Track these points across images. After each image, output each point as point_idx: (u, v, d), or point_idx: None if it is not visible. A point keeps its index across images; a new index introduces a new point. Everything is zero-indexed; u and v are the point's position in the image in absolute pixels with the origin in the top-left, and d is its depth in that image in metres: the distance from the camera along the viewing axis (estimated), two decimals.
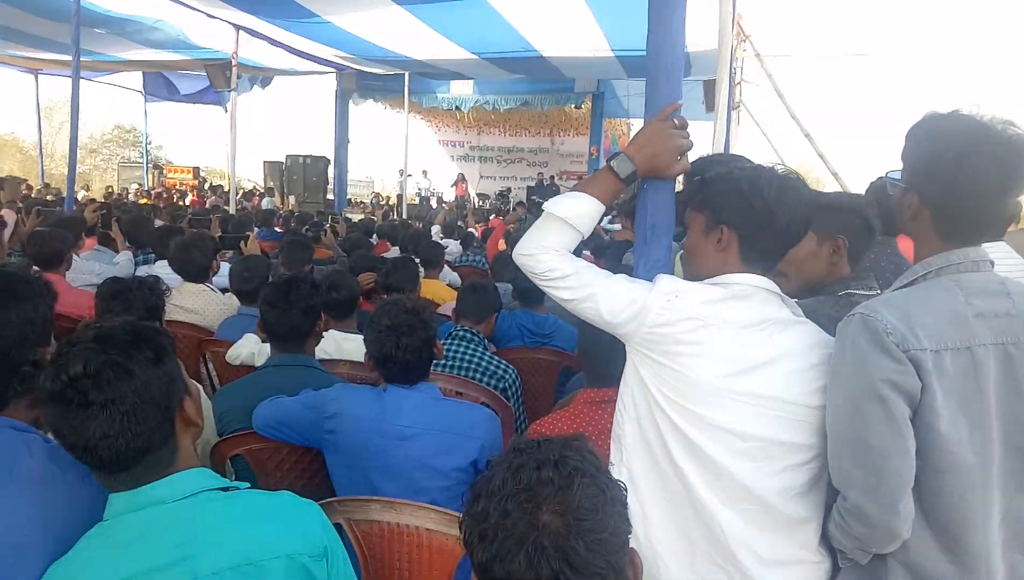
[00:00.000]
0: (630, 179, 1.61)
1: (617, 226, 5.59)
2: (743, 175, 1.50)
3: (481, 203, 19.19)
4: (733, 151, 6.95)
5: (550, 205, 1.59)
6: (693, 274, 1.56)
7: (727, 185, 1.52)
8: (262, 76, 14.49)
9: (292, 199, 12.56)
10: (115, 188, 18.58)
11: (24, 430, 1.26)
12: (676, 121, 1.60)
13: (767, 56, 7.43)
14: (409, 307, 2.12)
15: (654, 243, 1.69)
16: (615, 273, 1.54)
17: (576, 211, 1.59)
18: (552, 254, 1.55)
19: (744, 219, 1.49)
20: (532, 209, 13.32)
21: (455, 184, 19.89)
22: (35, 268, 3.81)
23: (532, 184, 20.39)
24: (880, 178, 2.30)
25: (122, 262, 4.76)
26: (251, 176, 19.84)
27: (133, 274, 4.52)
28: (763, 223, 1.48)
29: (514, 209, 10.58)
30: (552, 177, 20.11)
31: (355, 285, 3.17)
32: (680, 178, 1.73)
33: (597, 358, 2.01)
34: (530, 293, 3.72)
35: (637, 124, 20.34)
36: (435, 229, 8.02)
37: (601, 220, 1.72)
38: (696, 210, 1.56)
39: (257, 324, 2.55)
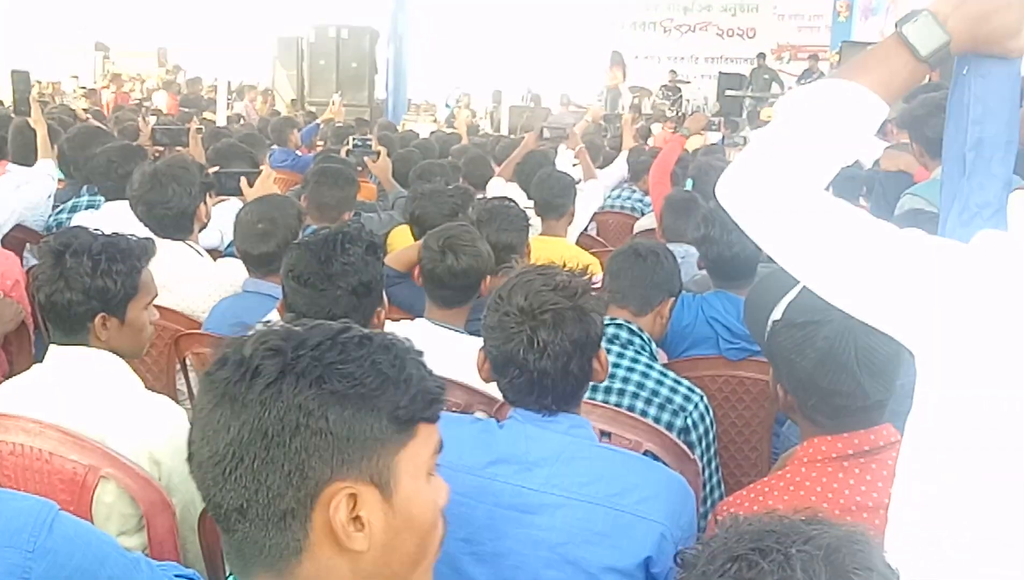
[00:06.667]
0: (938, 57, 1.31)
1: (883, 145, 3.97)
2: None
3: (636, 102, 15.99)
4: None
5: (788, 104, 1.32)
6: None
7: None
8: None
9: (336, 98, 11.14)
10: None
11: None
12: None
13: None
14: (560, 282, 1.80)
15: (981, 173, 1.37)
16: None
17: (836, 115, 1.29)
18: (790, 190, 1.26)
19: None
20: (728, 114, 10.85)
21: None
22: None
23: (726, 69, 16.52)
24: None
25: (34, 179, 4.29)
26: (248, 61, 17.71)
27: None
28: None
29: (692, 115, 8.17)
30: (762, 56, 16.21)
31: (486, 253, 2.74)
32: None
33: (835, 376, 1.65)
34: (733, 263, 3.11)
35: None
36: (564, 152, 6.72)
37: None
38: None
39: (276, 310, 2.26)
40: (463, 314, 2.79)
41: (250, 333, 1.10)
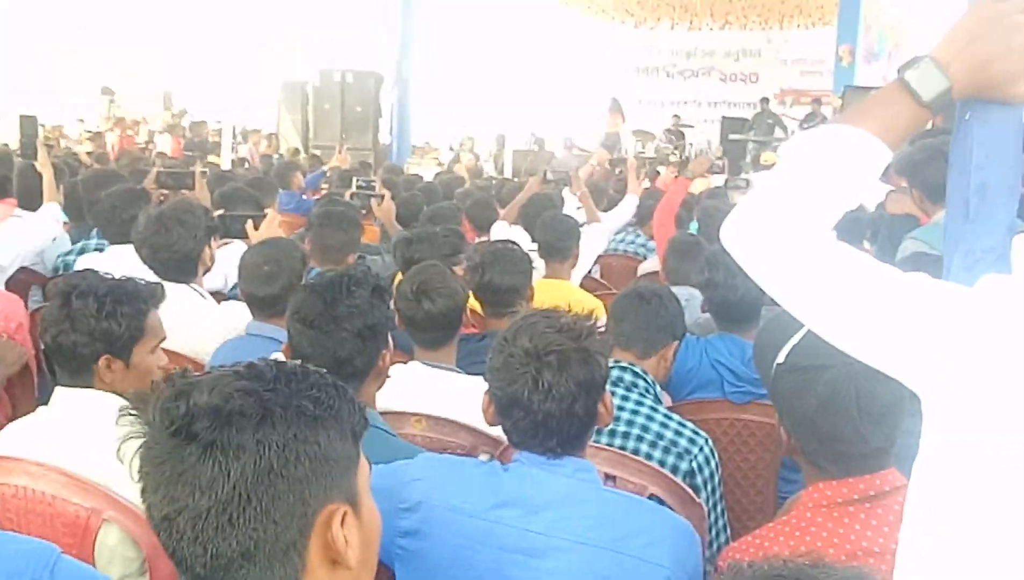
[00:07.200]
0: (940, 103, 1.29)
1: (887, 188, 3.98)
2: None
3: (640, 147, 16.01)
4: None
5: (791, 149, 1.31)
6: None
7: None
8: None
9: (340, 149, 11.16)
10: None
11: None
12: None
13: None
14: (565, 324, 1.81)
15: (984, 218, 1.34)
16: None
17: (840, 159, 1.28)
18: (794, 235, 1.25)
19: None
20: (732, 159, 10.59)
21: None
22: None
23: (729, 113, 16.52)
24: None
25: (39, 222, 4.25)
26: (253, 106, 17.99)
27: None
28: None
29: (695, 158, 8.10)
30: (766, 101, 16.17)
31: (460, 290, 2.73)
32: None
33: (836, 422, 1.64)
34: (738, 306, 3.07)
35: (921, 10, 16.51)
36: (569, 196, 6.74)
37: None
38: None
39: (282, 352, 2.18)
40: (452, 351, 2.78)
41: (185, 383, 1.09)
